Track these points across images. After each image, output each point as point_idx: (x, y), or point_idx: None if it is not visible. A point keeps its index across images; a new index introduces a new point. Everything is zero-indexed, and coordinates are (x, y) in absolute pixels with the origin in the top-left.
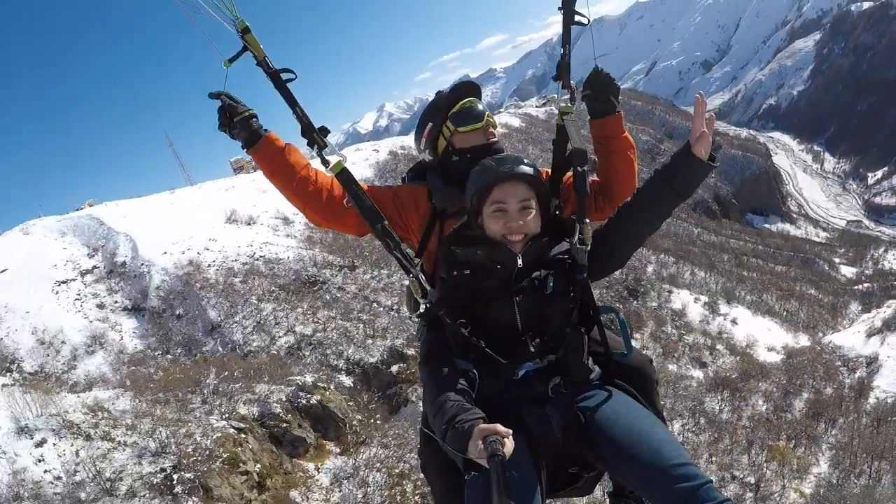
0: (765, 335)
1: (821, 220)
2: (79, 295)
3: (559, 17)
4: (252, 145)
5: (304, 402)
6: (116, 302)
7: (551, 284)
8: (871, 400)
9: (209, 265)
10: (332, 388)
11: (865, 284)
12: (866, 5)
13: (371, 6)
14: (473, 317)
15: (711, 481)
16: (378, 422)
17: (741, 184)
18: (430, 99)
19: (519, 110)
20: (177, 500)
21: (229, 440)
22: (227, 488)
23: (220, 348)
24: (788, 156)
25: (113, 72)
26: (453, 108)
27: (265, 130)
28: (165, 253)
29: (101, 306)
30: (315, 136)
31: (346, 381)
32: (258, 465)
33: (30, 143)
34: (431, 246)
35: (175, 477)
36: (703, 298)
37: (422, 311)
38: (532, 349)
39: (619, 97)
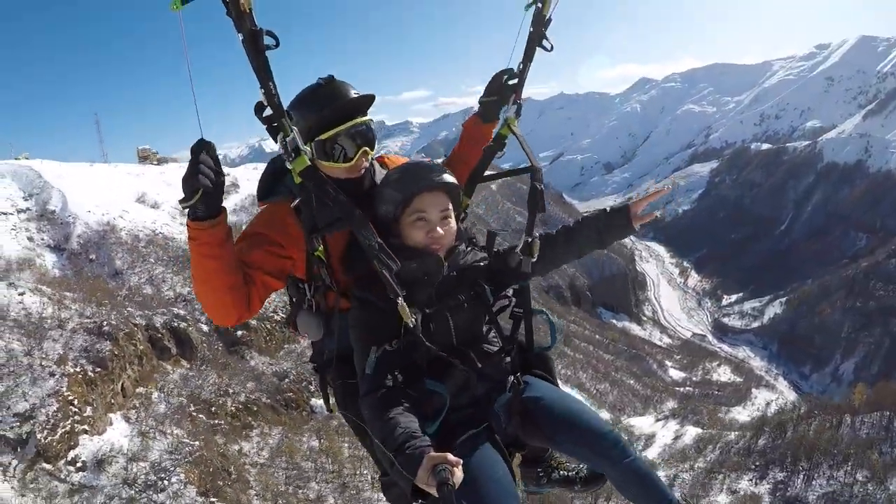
0: None
1: (669, 328)
2: (14, 226)
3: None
4: (216, 216)
5: (175, 325)
6: (43, 239)
7: (489, 294)
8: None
9: (121, 228)
10: (193, 326)
11: (688, 388)
12: (765, 146)
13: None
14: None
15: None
16: (219, 356)
17: (599, 279)
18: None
19: None
20: (101, 339)
21: (129, 325)
22: (130, 347)
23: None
24: (658, 265)
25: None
26: (334, 124)
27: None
28: (89, 211)
29: (30, 238)
30: (284, 122)
31: (204, 327)
32: (141, 347)
33: None
34: (334, 263)
35: (104, 323)
36: None
37: (405, 342)
38: (478, 363)
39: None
